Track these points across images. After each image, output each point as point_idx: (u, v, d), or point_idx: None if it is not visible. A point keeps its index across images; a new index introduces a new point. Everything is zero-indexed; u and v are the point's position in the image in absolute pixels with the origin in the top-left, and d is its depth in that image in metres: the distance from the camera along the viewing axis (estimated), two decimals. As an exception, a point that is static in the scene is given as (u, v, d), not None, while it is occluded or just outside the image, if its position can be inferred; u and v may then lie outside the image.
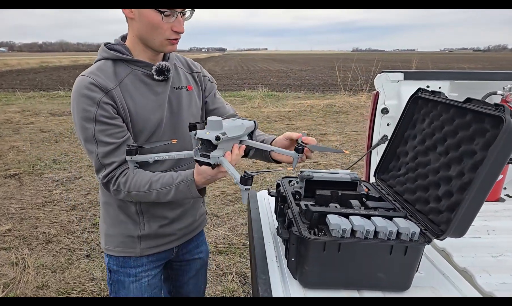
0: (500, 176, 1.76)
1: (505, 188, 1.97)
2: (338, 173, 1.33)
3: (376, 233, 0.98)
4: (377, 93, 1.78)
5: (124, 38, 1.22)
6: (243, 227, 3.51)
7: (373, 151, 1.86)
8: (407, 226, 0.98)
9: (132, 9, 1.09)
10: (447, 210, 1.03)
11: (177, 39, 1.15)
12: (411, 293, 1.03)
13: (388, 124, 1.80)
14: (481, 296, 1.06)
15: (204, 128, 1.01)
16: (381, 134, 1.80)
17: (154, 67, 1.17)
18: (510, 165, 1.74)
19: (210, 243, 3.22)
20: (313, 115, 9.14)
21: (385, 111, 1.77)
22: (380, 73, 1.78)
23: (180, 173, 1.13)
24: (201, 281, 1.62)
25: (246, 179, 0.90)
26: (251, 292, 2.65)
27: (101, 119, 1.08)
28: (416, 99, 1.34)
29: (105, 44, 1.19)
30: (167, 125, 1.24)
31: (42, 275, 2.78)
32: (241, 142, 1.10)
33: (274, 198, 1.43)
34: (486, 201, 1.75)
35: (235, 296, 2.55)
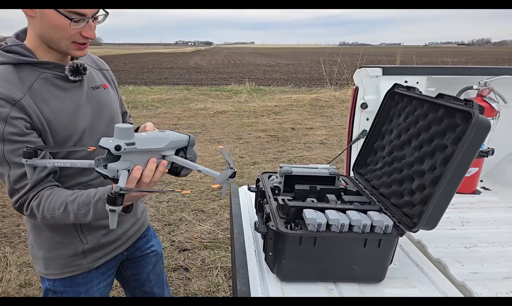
0: (476, 169, 1.81)
1: (481, 181, 2.03)
2: (317, 168, 1.34)
3: (350, 226, 1.00)
4: (357, 88, 1.81)
5: (19, 37, 1.06)
6: (228, 222, 3.52)
7: (353, 146, 1.89)
8: (381, 219, 1.01)
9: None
10: (419, 203, 1.06)
11: (85, 44, 1.03)
12: (385, 284, 1.06)
13: (367, 119, 1.83)
14: (458, 291, 1.09)
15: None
16: (360, 129, 1.83)
17: (67, 67, 1.04)
18: (485, 158, 1.78)
19: (195, 238, 3.22)
20: (299, 109, 9.17)
21: (364, 106, 1.80)
22: (359, 68, 1.80)
23: (98, 190, 0.99)
24: (160, 273, 1.56)
25: (114, 199, 0.78)
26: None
27: (10, 137, 0.94)
28: (392, 94, 1.36)
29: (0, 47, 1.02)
30: (95, 129, 1.13)
31: (24, 273, 2.74)
32: (164, 157, 0.97)
33: (254, 194, 1.44)
34: (462, 193, 1.82)
35: (219, 290, 2.56)
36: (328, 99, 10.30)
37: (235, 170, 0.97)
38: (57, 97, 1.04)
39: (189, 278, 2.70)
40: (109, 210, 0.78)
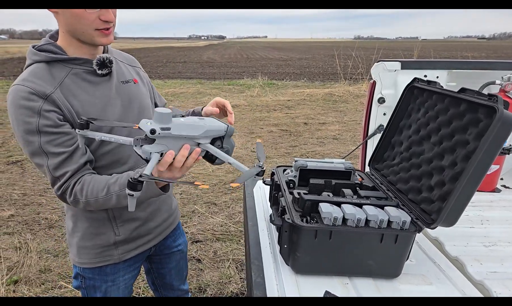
0: (497, 167, 1.77)
1: (502, 179, 1.98)
2: (332, 163, 1.33)
3: (367, 221, 0.99)
4: (374, 83, 1.78)
5: (53, 37, 1.12)
6: (240, 215, 3.53)
7: (369, 141, 1.86)
8: (398, 215, 0.99)
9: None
10: (438, 199, 1.04)
11: (108, 29, 1.05)
12: (401, 280, 1.05)
13: (384, 114, 1.79)
14: (477, 293, 1.07)
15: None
16: (377, 124, 1.80)
17: (94, 62, 1.08)
18: (506, 155, 1.74)
19: (208, 230, 3.25)
20: (312, 104, 9.10)
21: (381, 100, 1.77)
22: (377, 62, 1.77)
23: (137, 171, 1.01)
24: (182, 269, 1.62)
25: (135, 184, 0.80)
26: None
27: (45, 129, 0.99)
28: (412, 89, 1.34)
29: (33, 46, 1.07)
30: (124, 121, 1.16)
31: (44, 259, 2.83)
32: (199, 144, 0.98)
33: (268, 187, 1.44)
34: (482, 191, 1.78)
35: (231, 282, 2.58)
36: (342, 93, 10.18)
37: (264, 168, 0.97)
38: (87, 91, 1.08)
39: (201, 269, 2.73)
40: (128, 195, 0.80)
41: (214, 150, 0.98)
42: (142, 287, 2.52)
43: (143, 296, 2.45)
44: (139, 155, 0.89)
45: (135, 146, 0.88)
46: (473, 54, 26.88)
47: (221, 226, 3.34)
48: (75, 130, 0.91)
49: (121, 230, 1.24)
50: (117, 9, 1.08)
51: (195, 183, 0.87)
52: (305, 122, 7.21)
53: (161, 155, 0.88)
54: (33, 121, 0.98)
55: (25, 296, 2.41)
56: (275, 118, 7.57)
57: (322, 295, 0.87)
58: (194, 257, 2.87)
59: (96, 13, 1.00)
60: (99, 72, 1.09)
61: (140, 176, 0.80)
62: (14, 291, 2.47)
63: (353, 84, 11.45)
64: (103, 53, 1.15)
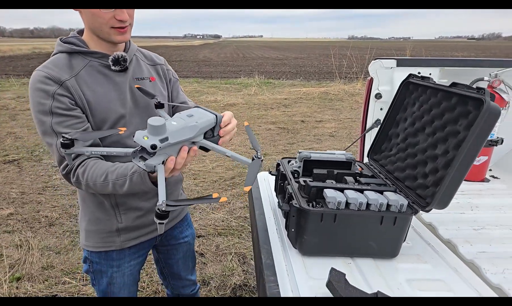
0: (485, 158, 1.87)
1: (490, 170, 2.09)
2: (334, 154, 1.42)
3: (368, 205, 1.09)
4: (371, 79, 1.87)
5: (80, 32, 1.22)
6: (241, 211, 3.62)
7: (366, 135, 1.96)
8: (396, 199, 1.09)
9: None
10: (432, 185, 1.14)
11: (124, 27, 1.12)
12: (399, 260, 1.14)
13: (381, 109, 1.89)
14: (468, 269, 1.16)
15: (172, 111, 0.91)
16: (374, 118, 1.90)
17: (110, 57, 1.16)
18: (494, 147, 1.84)
19: (210, 225, 3.33)
20: (308, 102, 9.21)
21: (378, 96, 1.87)
22: (374, 60, 1.86)
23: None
24: (189, 261, 1.67)
25: (162, 216, 0.80)
26: (253, 261, 2.76)
27: (57, 111, 1.07)
28: (407, 84, 1.43)
29: (60, 39, 1.18)
30: (132, 115, 1.22)
31: (46, 256, 2.87)
32: (194, 142, 0.99)
33: (273, 178, 1.53)
34: (472, 181, 1.88)
35: (234, 274, 2.66)
36: (337, 92, 10.30)
37: (262, 158, 1.00)
38: (100, 82, 1.16)
39: (204, 263, 2.80)
40: (158, 223, 0.81)
41: (210, 146, 1.01)
42: (146, 281, 2.58)
43: (147, 290, 2.52)
44: (140, 167, 0.89)
45: (134, 158, 0.90)
46: (463, 54, 27.23)
47: (223, 221, 3.42)
48: (68, 143, 0.92)
49: (123, 218, 1.29)
50: (134, 9, 1.15)
51: (214, 197, 0.86)
52: (302, 120, 7.31)
53: (163, 162, 0.90)
54: (47, 103, 1.06)
55: (28, 292, 2.46)
56: (272, 116, 7.66)
57: (328, 273, 0.96)
58: (197, 252, 2.94)
59: (112, 12, 1.08)
60: (113, 67, 1.17)
61: (167, 205, 0.80)
62: (17, 288, 2.51)
63: (348, 83, 11.58)
64: (124, 51, 1.23)
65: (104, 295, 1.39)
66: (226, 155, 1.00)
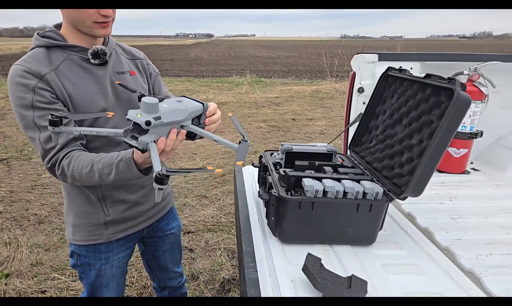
0: (465, 150, 1.92)
1: (472, 163, 2.14)
2: (315, 146, 1.45)
3: (345, 193, 1.12)
4: (354, 74, 1.91)
5: (58, 26, 1.21)
6: (230, 207, 3.64)
7: (351, 128, 1.99)
8: (372, 187, 1.12)
9: None
10: (408, 174, 1.17)
11: (107, 22, 1.14)
12: (376, 246, 1.18)
13: (364, 103, 1.93)
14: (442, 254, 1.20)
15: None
16: (357, 112, 1.94)
17: (89, 51, 1.16)
18: (474, 140, 1.89)
19: (199, 222, 3.35)
20: (300, 100, 9.26)
21: (361, 90, 1.90)
22: (357, 54, 1.90)
23: (121, 153, 1.08)
24: (176, 253, 1.69)
25: (161, 179, 0.82)
26: (237, 250, 2.78)
27: (39, 104, 1.07)
28: (386, 77, 1.47)
29: (38, 33, 1.17)
30: (114, 108, 1.21)
31: (35, 253, 2.86)
32: (182, 127, 1.03)
33: (257, 170, 1.55)
34: (453, 173, 1.93)
35: (223, 269, 2.68)
36: (328, 90, 10.38)
37: (249, 142, 1.05)
38: (81, 76, 1.16)
39: (193, 258, 2.82)
40: (157, 189, 0.83)
41: (198, 131, 1.05)
42: (135, 276, 2.60)
43: (136, 285, 2.53)
44: (131, 146, 0.93)
45: (125, 137, 0.93)
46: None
47: (212, 217, 3.45)
48: (57, 121, 0.93)
49: (110, 211, 1.31)
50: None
51: (208, 168, 0.91)
52: (293, 118, 7.35)
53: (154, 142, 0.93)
54: (27, 97, 1.06)
55: (17, 288, 2.45)
56: (263, 114, 7.70)
57: (304, 258, 0.98)
58: (186, 247, 2.96)
59: None
60: (92, 61, 1.17)
61: (167, 171, 0.83)
62: (6, 284, 2.51)
63: (339, 81, 11.67)
64: (103, 44, 1.23)
65: (92, 288, 1.40)
66: (214, 140, 1.05)
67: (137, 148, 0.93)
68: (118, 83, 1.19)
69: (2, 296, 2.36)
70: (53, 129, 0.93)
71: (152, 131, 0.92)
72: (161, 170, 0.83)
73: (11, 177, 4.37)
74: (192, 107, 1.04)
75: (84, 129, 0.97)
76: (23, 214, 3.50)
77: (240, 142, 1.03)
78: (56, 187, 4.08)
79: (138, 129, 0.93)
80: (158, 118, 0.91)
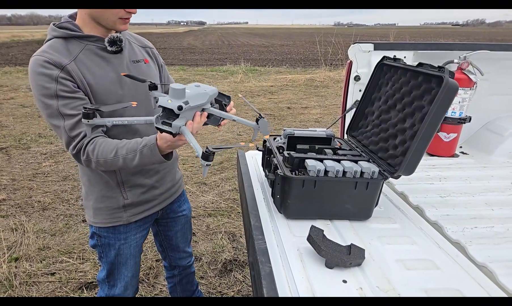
0: (455, 135, 2.04)
1: (461, 147, 2.26)
2: (315, 131, 1.56)
3: (344, 172, 1.23)
4: (351, 62, 2.01)
5: (72, 16, 1.24)
6: (230, 193, 3.75)
7: (347, 115, 2.10)
8: (369, 167, 1.23)
9: None
10: (401, 155, 1.28)
11: (129, 18, 1.21)
12: (372, 221, 1.30)
13: (360, 90, 2.03)
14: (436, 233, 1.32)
15: (165, 92, 1.02)
16: (354, 99, 2.04)
17: (106, 39, 1.21)
18: (463, 124, 2.01)
19: (200, 207, 3.45)
20: (294, 89, 9.34)
21: (357, 78, 2.00)
22: (353, 44, 1.99)
23: (144, 139, 1.14)
24: (187, 233, 1.81)
25: (208, 155, 0.90)
26: (242, 238, 2.89)
27: (62, 94, 1.11)
28: (381, 66, 1.57)
29: (53, 24, 1.21)
30: (130, 96, 1.27)
31: (42, 238, 2.95)
32: (203, 110, 1.10)
33: (261, 154, 1.66)
34: (442, 156, 2.05)
35: (224, 250, 2.81)
36: (322, 79, 10.46)
37: (265, 118, 1.19)
38: (99, 65, 1.22)
39: (196, 241, 2.94)
40: (205, 165, 0.93)
41: (218, 112, 1.14)
42: (142, 259, 2.70)
43: (142, 267, 2.64)
44: (164, 131, 0.99)
45: (157, 123, 0.99)
46: (446, 41, 27.68)
47: (212, 203, 3.55)
48: (90, 113, 0.99)
49: (128, 195, 1.39)
50: None
51: (241, 143, 1.01)
52: (288, 107, 7.45)
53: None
54: (51, 87, 1.10)
55: (27, 271, 2.55)
56: (259, 103, 7.77)
57: (308, 230, 1.09)
58: (188, 231, 3.07)
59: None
60: (110, 48, 1.22)
61: (213, 148, 0.93)
62: (16, 267, 2.60)
63: (333, 69, 11.75)
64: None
65: (111, 267, 1.50)
66: (233, 120, 1.17)
67: (170, 133, 0.99)
68: (124, 75, 1.22)
69: (14, 278, 2.46)
70: (88, 121, 1.00)
71: (182, 115, 0.99)
72: (207, 148, 0.91)
73: (11, 166, 4.42)
74: (211, 90, 1.12)
75: (116, 119, 1.06)
76: (27, 201, 3.58)
77: (257, 119, 1.15)
78: (58, 175, 4.15)
79: (168, 115, 0.99)
80: (187, 102, 0.98)
